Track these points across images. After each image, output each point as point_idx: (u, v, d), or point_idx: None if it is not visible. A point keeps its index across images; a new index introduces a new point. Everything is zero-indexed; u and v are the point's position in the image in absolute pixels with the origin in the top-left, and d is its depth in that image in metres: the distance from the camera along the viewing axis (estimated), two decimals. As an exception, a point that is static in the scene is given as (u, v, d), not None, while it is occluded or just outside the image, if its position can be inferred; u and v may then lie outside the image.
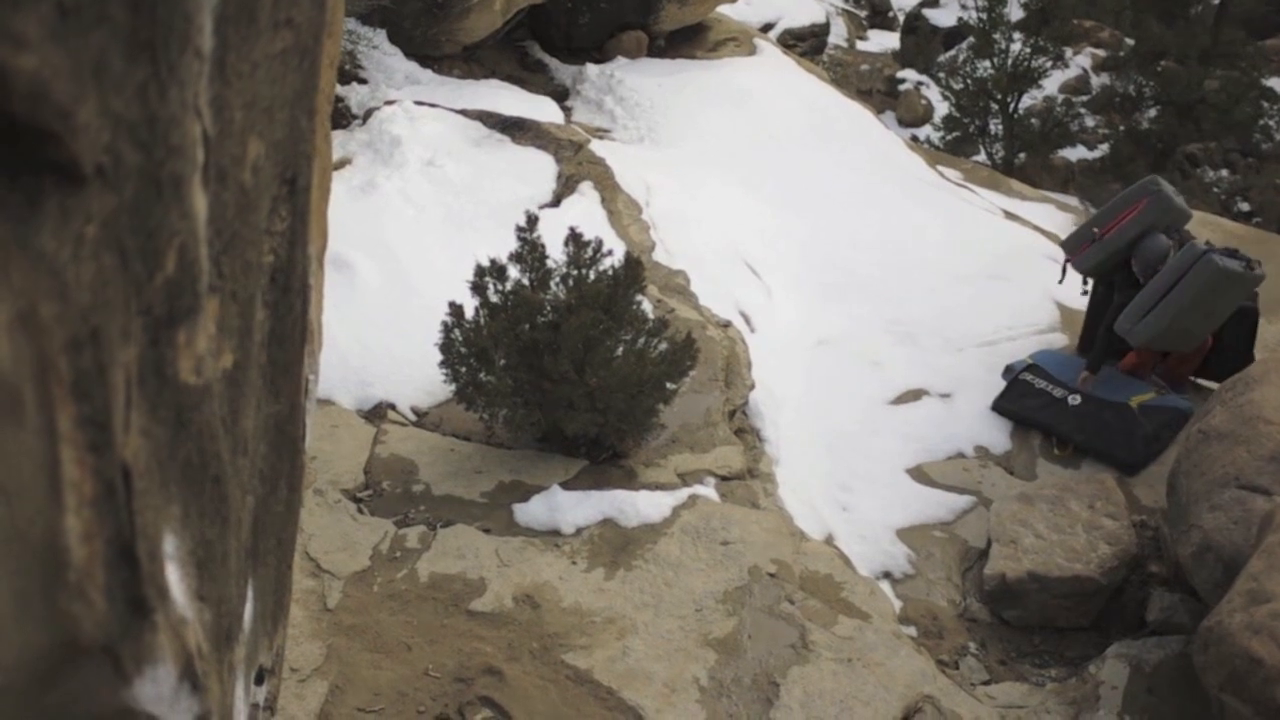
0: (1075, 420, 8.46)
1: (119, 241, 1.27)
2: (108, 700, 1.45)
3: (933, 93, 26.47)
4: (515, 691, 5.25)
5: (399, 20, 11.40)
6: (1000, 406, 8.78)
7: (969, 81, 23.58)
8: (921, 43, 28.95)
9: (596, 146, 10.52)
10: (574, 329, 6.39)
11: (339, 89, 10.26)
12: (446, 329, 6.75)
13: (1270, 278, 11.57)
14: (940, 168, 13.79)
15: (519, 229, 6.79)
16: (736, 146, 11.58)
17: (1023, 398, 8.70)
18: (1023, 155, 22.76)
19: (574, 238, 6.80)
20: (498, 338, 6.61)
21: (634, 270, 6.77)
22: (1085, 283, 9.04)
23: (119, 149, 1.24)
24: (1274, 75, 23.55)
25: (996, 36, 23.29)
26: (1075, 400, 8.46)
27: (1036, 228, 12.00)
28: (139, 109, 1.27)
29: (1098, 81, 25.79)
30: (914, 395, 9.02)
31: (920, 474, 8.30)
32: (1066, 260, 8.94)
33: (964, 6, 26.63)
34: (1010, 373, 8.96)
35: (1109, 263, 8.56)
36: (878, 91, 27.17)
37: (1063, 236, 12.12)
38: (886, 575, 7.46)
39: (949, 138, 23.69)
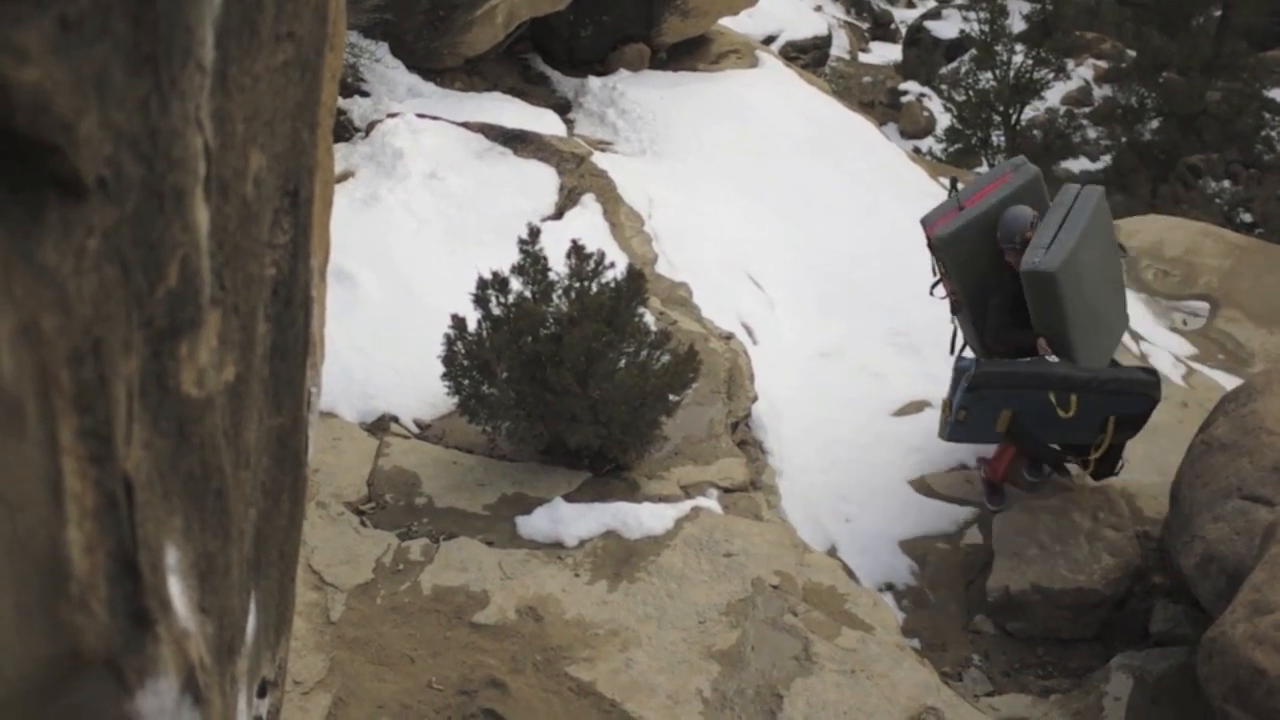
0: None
1: (121, 254, 1.28)
2: (110, 712, 1.45)
3: (935, 104, 26.50)
4: (518, 704, 5.25)
5: (401, 33, 11.41)
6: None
7: (971, 93, 23.62)
8: (923, 55, 28.98)
9: (599, 159, 10.52)
10: (576, 341, 6.39)
11: (341, 102, 10.28)
12: (449, 341, 6.76)
13: (1271, 287, 11.61)
14: (943, 179, 13.79)
15: (521, 241, 6.79)
16: (739, 158, 11.59)
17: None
18: (1025, 167, 22.74)
19: (576, 250, 6.81)
20: (500, 350, 6.61)
21: (636, 282, 6.77)
22: (933, 274, 7.97)
23: (121, 162, 1.24)
24: (1276, 86, 23.56)
25: (998, 48, 23.34)
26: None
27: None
28: (141, 122, 1.27)
29: (1100, 93, 25.80)
30: (916, 406, 9.01)
31: (923, 485, 8.30)
32: (928, 236, 7.75)
33: (966, 19, 26.67)
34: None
35: (968, 231, 7.56)
36: (880, 103, 27.20)
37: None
38: (889, 587, 7.46)
39: (951, 149, 23.72)
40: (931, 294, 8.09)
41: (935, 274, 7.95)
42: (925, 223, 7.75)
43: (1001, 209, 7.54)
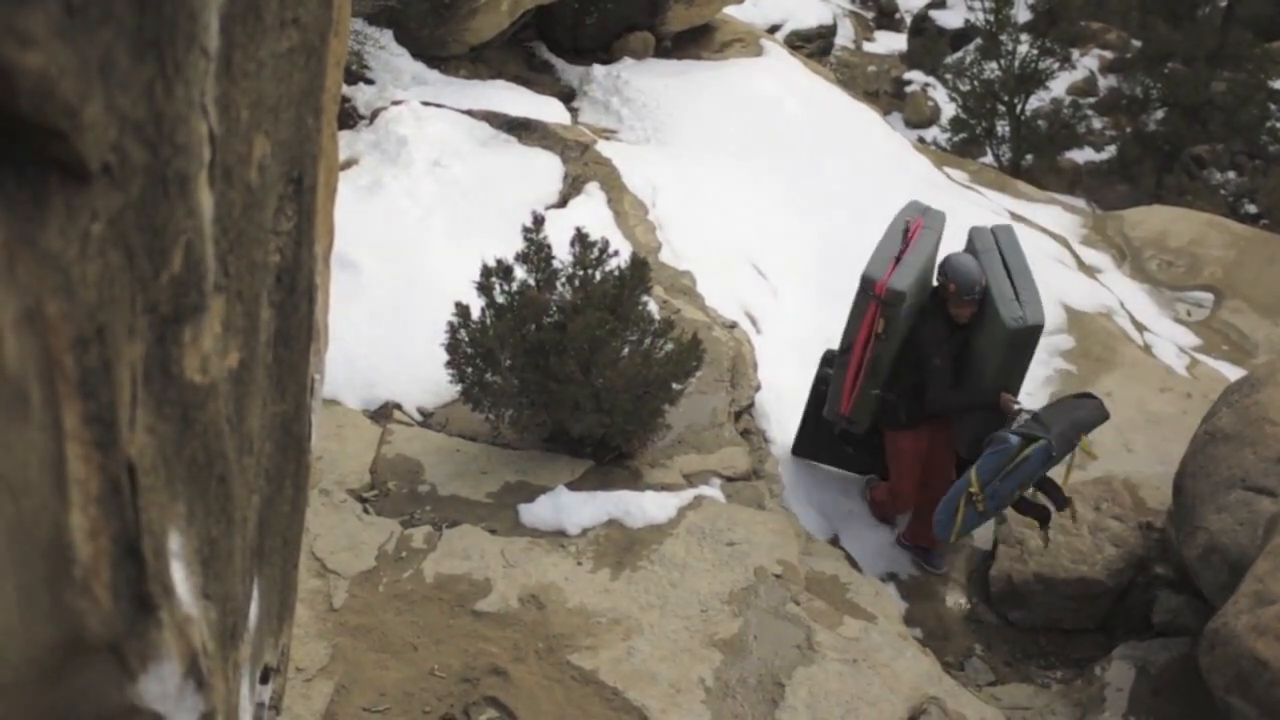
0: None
1: (125, 239, 1.28)
2: (113, 697, 1.45)
3: (940, 94, 26.42)
4: (521, 692, 5.26)
5: (406, 21, 11.39)
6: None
7: (976, 83, 23.54)
8: (928, 44, 28.88)
9: (603, 147, 10.51)
10: (580, 329, 6.39)
11: (345, 89, 10.27)
12: (453, 329, 6.75)
13: (1275, 278, 11.60)
14: (947, 169, 13.77)
15: (525, 229, 6.79)
16: (743, 147, 11.57)
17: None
18: (1029, 157, 22.73)
19: (580, 238, 6.80)
20: (504, 338, 6.61)
21: (640, 271, 6.77)
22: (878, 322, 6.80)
23: (125, 147, 1.24)
24: (1281, 77, 23.52)
25: (1003, 38, 23.26)
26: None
27: (1043, 229, 11.99)
28: (145, 107, 1.27)
29: (1105, 83, 25.73)
30: (920, 396, 9.00)
31: (926, 475, 8.29)
32: (874, 293, 6.63)
33: (971, 8, 26.54)
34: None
35: (915, 283, 6.67)
36: (884, 93, 27.13)
37: (1070, 238, 12.13)
38: (892, 576, 7.45)
39: (956, 139, 23.65)
40: (844, 358, 7.01)
41: (864, 334, 6.81)
42: (872, 278, 6.68)
43: (934, 258, 6.90)
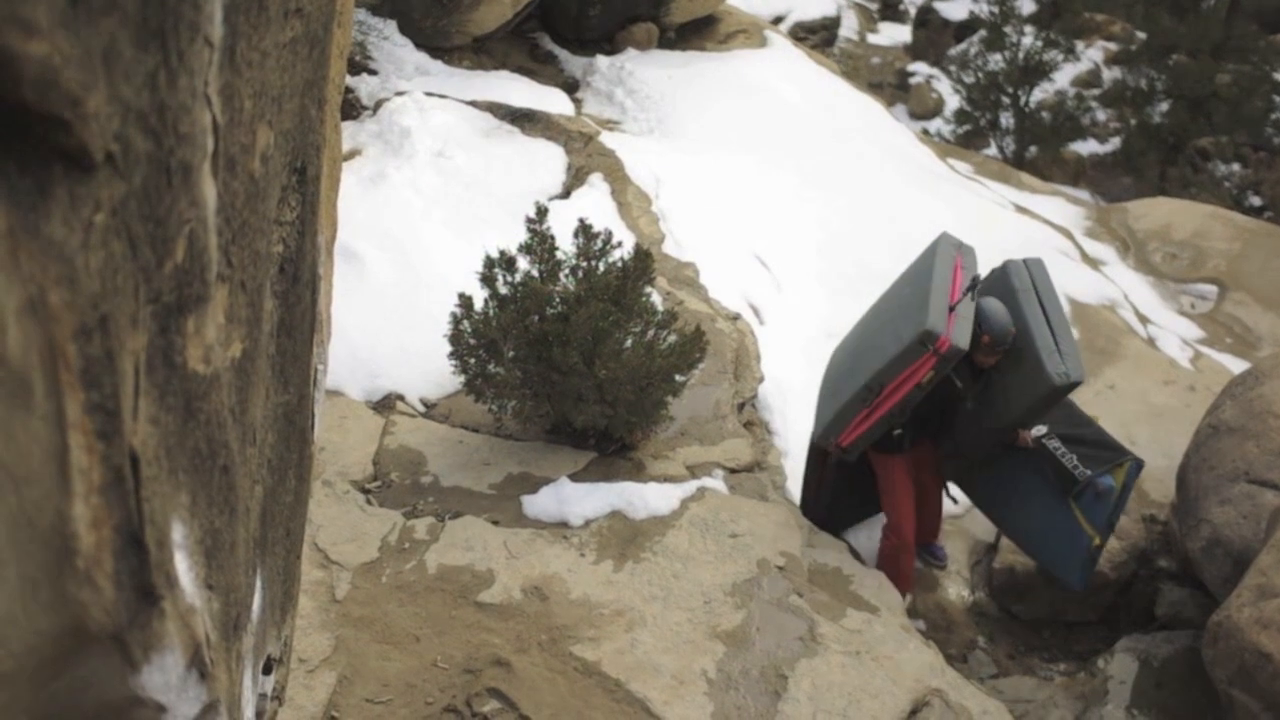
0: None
1: (128, 229, 1.28)
2: (116, 688, 1.45)
3: (944, 86, 26.42)
4: (523, 683, 5.26)
5: (409, 11, 11.40)
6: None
7: (980, 75, 23.53)
8: (933, 36, 28.89)
9: (606, 138, 10.51)
10: (583, 321, 6.38)
11: (349, 80, 10.27)
12: (455, 320, 6.75)
13: (1273, 271, 11.59)
14: (951, 161, 13.77)
15: (529, 220, 6.78)
16: (747, 139, 11.57)
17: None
18: (1033, 149, 22.71)
19: (584, 229, 6.80)
20: (507, 329, 6.61)
21: (643, 262, 6.77)
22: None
23: (128, 136, 1.24)
24: (1286, 69, 23.48)
25: (1008, 30, 23.25)
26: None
27: (1047, 221, 11.99)
28: (149, 97, 1.27)
29: (1109, 75, 25.71)
30: (923, 388, 9.00)
31: (929, 467, 8.29)
32: (935, 347, 6.19)
33: (975, 0, 26.54)
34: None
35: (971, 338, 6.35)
36: (888, 84, 27.12)
37: (1074, 231, 12.11)
38: (895, 568, 7.45)
39: (960, 131, 23.65)
40: (868, 395, 6.58)
41: (908, 383, 6.44)
42: (936, 333, 6.17)
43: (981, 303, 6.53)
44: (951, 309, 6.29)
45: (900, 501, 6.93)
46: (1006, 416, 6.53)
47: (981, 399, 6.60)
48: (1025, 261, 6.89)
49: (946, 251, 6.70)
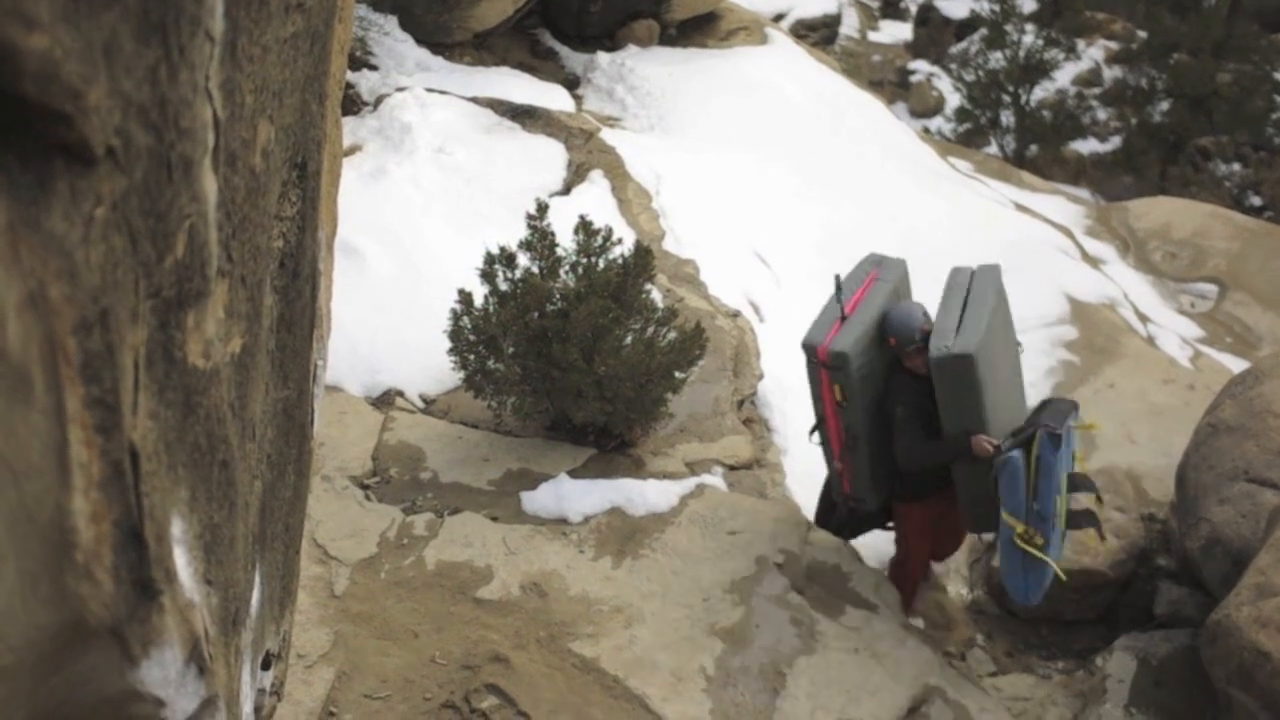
0: None
1: (129, 223, 1.27)
2: (114, 682, 1.45)
3: (944, 84, 26.43)
4: (522, 679, 5.26)
5: (410, 7, 11.40)
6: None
7: (981, 73, 23.53)
8: (934, 34, 28.90)
9: (607, 135, 10.50)
10: (583, 317, 6.38)
11: (349, 75, 10.26)
12: (455, 316, 6.75)
13: (1273, 271, 11.59)
14: (951, 159, 13.77)
15: (529, 217, 6.78)
16: (747, 136, 11.57)
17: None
18: (1034, 147, 22.72)
19: (584, 226, 6.80)
20: (507, 325, 6.61)
21: (644, 259, 6.77)
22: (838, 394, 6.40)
23: (129, 131, 1.24)
24: (1287, 68, 23.47)
25: (1009, 28, 23.24)
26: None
27: (1047, 220, 11.99)
28: (150, 91, 1.27)
29: (1110, 74, 25.70)
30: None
31: (928, 465, 8.28)
32: (818, 359, 6.29)
33: (976, -2, 26.55)
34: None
35: (863, 341, 6.22)
36: (889, 82, 27.12)
37: (1074, 229, 12.11)
38: (894, 566, 7.45)
39: (960, 129, 23.66)
40: (810, 438, 6.74)
41: (828, 404, 6.46)
42: (812, 344, 6.27)
43: (885, 310, 6.42)
44: (842, 319, 6.27)
45: (914, 546, 6.80)
46: (939, 417, 6.28)
47: (921, 410, 6.32)
48: (977, 267, 6.70)
49: (860, 269, 6.71)
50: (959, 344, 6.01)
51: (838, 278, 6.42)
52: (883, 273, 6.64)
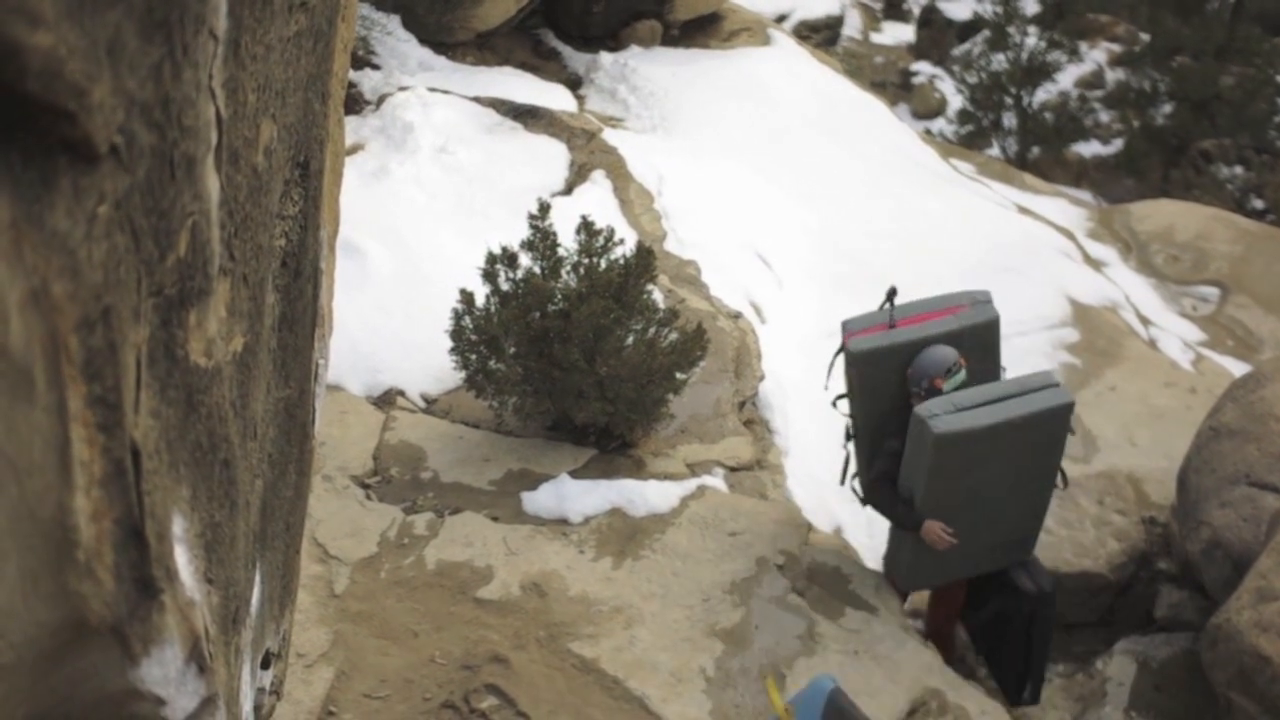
0: None
1: (132, 221, 1.27)
2: (115, 680, 1.45)
3: (947, 86, 26.39)
4: (521, 679, 5.26)
5: (413, 6, 11.40)
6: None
7: (983, 75, 23.50)
8: (936, 35, 28.87)
9: (609, 135, 10.50)
10: (584, 317, 6.38)
11: (352, 74, 10.26)
12: (457, 316, 6.76)
13: (1275, 274, 11.58)
14: (953, 161, 13.76)
15: (531, 217, 6.78)
16: (750, 137, 11.56)
17: None
18: (1036, 150, 22.69)
19: (586, 226, 6.80)
20: (508, 325, 6.61)
21: (645, 259, 6.76)
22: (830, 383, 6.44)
23: (133, 129, 1.24)
24: (1290, 72, 23.46)
25: (1011, 30, 23.21)
26: None
27: (1049, 222, 11.98)
28: (153, 89, 1.27)
29: (1112, 76, 25.66)
30: (924, 388, 8.99)
31: (929, 467, 8.28)
32: (843, 342, 6.21)
33: (979, 0, 26.52)
34: None
35: (888, 356, 6.04)
36: (891, 84, 27.10)
37: (1076, 232, 12.10)
38: (894, 568, 7.44)
39: (962, 131, 23.63)
40: (834, 405, 6.53)
41: (845, 386, 6.38)
42: (847, 327, 6.24)
43: (933, 342, 6.10)
44: (891, 325, 6.12)
45: (941, 610, 6.64)
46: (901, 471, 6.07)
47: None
48: (1059, 385, 6.16)
49: (955, 297, 6.40)
50: (944, 421, 5.67)
51: (892, 290, 6.21)
52: (970, 313, 6.24)
